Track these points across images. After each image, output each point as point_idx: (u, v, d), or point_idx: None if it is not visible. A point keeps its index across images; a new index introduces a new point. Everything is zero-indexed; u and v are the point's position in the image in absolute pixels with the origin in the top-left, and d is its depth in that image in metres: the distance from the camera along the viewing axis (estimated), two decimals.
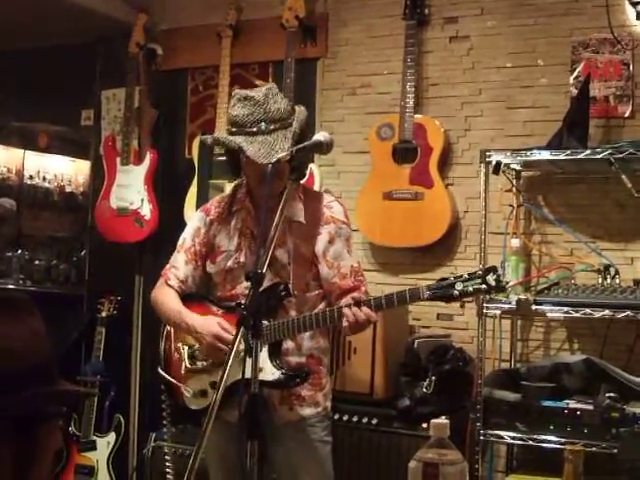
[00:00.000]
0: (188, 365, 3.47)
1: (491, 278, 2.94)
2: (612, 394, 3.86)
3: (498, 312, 4.22)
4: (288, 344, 3.37)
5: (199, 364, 3.45)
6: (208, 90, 5.71)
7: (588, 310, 3.96)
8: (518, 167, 4.53)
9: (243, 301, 3.04)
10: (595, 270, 4.33)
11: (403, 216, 4.78)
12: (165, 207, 5.57)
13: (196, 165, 5.46)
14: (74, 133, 6.27)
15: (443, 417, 3.17)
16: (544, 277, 4.51)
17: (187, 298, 3.52)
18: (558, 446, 3.78)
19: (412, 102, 4.79)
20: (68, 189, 6.48)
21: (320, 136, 2.76)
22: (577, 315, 3.99)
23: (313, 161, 5.02)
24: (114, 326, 5.60)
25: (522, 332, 4.62)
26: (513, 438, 4.06)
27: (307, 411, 3.45)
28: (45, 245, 6.38)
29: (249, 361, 2.86)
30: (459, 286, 2.97)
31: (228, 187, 5.20)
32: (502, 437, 4.08)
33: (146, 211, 5.53)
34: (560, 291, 4.12)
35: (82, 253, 6.24)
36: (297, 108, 3.36)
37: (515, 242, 4.46)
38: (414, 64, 4.85)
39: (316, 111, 5.30)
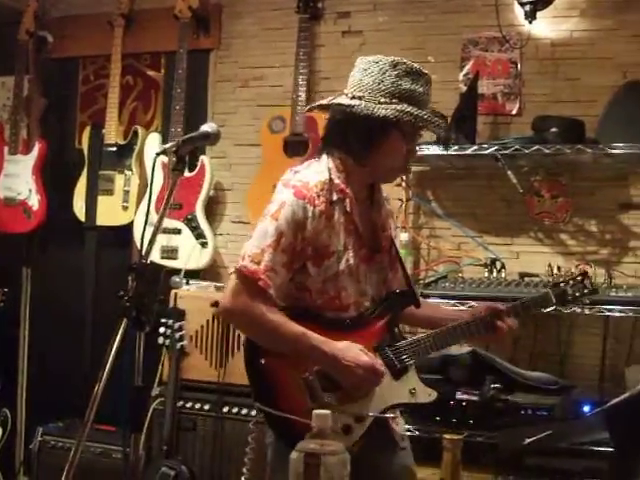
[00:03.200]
0: (326, 399, 2.72)
1: (588, 283, 3.01)
2: (497, 385, 3.94)
3: None
4: None
5: (327, 398, 2.71)
6: (99, 80, 5.63)
7: (474, 303, 4.02)
8: None
9: (348, 316, 2.79)
10: (482, 264, 4.40)
11: None
12: (54, 198, 5.47)
13: (86, 155, 5.38)
14: None
15: None
16: (432, 270, 4.58)
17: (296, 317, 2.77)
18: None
19: (304, 95, 4.81)
20: None
21: (207, 127, 2.72)
22: (464, 308, 4.05)
23: (204, 153, 5.00)
24: (1, 319, 5.47)
25: None
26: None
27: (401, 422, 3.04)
28: None
29: (400, 383, 2.79)
30: (570, 291, 2.99)
31: (118, 178, 5.17)
32: None
33: (34, 202, 5.43)
34: (447, 284, 4.18)
35: None
36: None
37: (404, 236, 4.51)
38: (306, 58, 4.86)
39: (208, 103, 5.29)
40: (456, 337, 2.89)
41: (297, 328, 2.70)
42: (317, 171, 2.81)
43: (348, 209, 2.79)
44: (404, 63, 2.78)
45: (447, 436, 1.85)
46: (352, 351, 2.70)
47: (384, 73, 2.76)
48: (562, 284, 2.99)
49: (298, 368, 2.72)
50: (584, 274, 3.03)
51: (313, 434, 1.95)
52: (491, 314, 2.87)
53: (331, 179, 2.79)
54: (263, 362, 2.79)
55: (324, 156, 2.85)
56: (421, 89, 2.77)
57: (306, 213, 2.71)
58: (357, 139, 2.79)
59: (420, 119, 2.72)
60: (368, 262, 2.87)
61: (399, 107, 2.70)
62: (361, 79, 2.80)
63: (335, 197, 2.77)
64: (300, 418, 2.52)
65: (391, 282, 2.97)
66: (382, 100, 2.73)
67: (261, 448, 3.67)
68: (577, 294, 2.98)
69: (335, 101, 2.84)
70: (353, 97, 2.78)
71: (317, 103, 2.96)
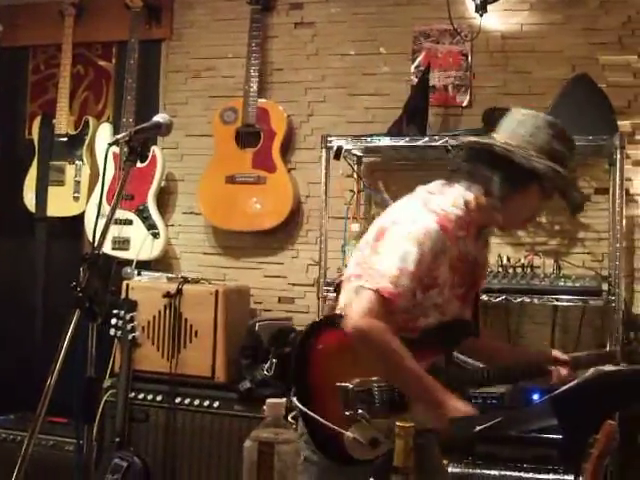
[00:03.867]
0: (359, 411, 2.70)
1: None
2: None
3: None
4: None
5: (360, 410, 2.68)
6: (50, 69, 5.58)
7: None
8: (359, 153, 4.61)
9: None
10: None
11: (245, 200, 4.79)
12: (3, 189, 5.42)
13: (36, 146, 5.34)
14: None
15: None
16: None
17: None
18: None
19: (256, 86, 4.81)
20: None
21: (159, 117, 2.71)
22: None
23: (156, 143, 4.99)
24: None
25: None
26: None
27: None
28: None
29: None
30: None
31: (69, 169, 5.13)
32: None
33: None
34: None
35: None
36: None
37: (355, 227, 4.54)
38: (259, 49, 4.86)
39: (160, 93, 5.27)
40: (508, 377, 3.03)
41: (416, 369, 2.65)
42: (454, 203, 2.77)
43: (465, 247, 2.78)
44: (558, 125, 2.80)
45: (399, 423, 1.86)
46: (459, 403, 2.74)
47: (539, 129, 2.77)
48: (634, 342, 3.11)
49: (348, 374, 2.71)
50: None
51: (267, 423, 1.96)
52: (548, 360, 2.98)
53: (463, 214, 2.77)
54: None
55: (458, 186, 2.81)
56: (568, 153, 2.80)
57: (444, 247, 2.70)
58: (503, 182, 2.76)
59: (563, 179, 2.74)
60: (463, 300, 2.86)
61: (549, 163, 2.71)
62: (514, 129, 2.80)
63: (460, 233, 2.76)
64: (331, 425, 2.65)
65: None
66: (533, 153, 2.73)
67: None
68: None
69: (491, 142, 2.80)
70: (505, 142, 2.77)
71: (472, 139, 2.90)
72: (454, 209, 2.74)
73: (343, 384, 2.68)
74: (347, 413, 2.67)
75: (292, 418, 3.51)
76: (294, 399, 2.80)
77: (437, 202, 2.76)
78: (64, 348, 2.33)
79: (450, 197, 2.78)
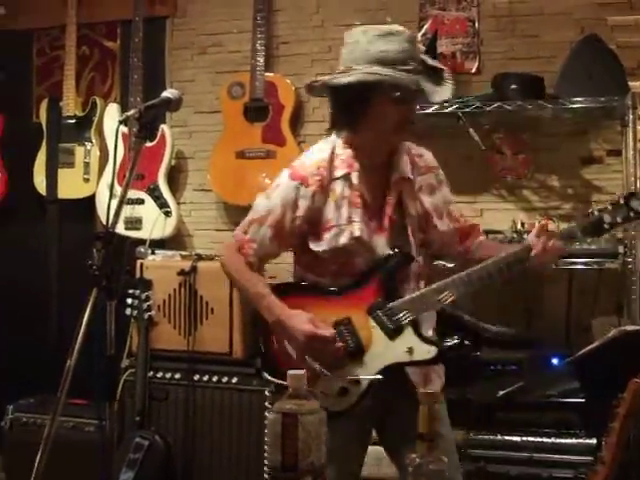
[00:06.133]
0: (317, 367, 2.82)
1: (636, 204, 2.78)
2: (465, 341, 3.97)
3: None
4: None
5: (317, 366, 2.80)
6: (55, 51, 5.56)
7: (441, 262, 4.04)
8: None
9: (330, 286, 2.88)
10: None
11: (256, 175, 4.78)
12: (13, 173, 5.41)
13: (44, 129, 5.33)
14: None
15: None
16: None
17: (286, 288, 2.98)
18: None
19: (262, 60, 4.79)
20: None
21: (168, 93, 2.70)
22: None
23: (164, 122, 4.97)
24: None
25: None
26: None
27: (438, 383, 2.99)
28: None
29: (397, 343, 2.79)
30: (607, 218, 2.79)
31: (78, 150, 5.13)
32: None
33: None
34: None
35: None
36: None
37: None
38: (264, 22, 4.84)
39: (166, 71, 5.26)
40: (470, 283, 2.88)
41: (260, 289, 2.89)
42: (320, 149, 2.91)
43: (355, 182, 2.85)
44: (374, 27, 2.77)
45: (422, 390, 1.86)
46: (296, 319, 2.79)
47: (357, 42, 2.76)
48: (597, 212, 2.83)
49: None
50: (633, 195, 2.83)
51: (290, 394, 1.96)
52: (527, 248, 2.85)
53: (334, 156, 2.87)
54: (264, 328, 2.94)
55: (333, 134, 2.92)
56: (397, 47, 2.72)
57: (298, 193, 2.85)
58: (340, 112, 2.85)
59: (390, 78, 2.69)
60: (389, 234, 2.87)
61: (366, 70, 2.69)
62: (342, 53, 2.82)
63: (340, 173, 2.86)
64: None
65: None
66: (355, 67, 2.73)
67: None
68: (618, 220, 2.80)
69: (310, 82, 2.91)
70: (339, 72, 2.79)
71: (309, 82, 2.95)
72: (316, 155, 2.90)
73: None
74: (309, 372, 2.63)
75: (268, 392, 3.55)
76: (263, 372, 2.95)
77: (300, 157, 2.95)
78: (83, 327, 2.34)
79: (317, 147, 2.95)
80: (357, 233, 2.83)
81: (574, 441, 3.67)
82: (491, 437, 3.75)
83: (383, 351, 2.81)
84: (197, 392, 4.43)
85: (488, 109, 4.17)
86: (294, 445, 1.89)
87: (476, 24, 4.62)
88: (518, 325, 4.24)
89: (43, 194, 5.32)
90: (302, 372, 2.00)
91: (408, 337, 2.81)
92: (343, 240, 2.83)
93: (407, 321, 2.82)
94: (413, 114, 2.87)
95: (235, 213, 5.00)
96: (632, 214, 2.78)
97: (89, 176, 5.15)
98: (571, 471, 3.61)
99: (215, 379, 4.38)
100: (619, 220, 2.79)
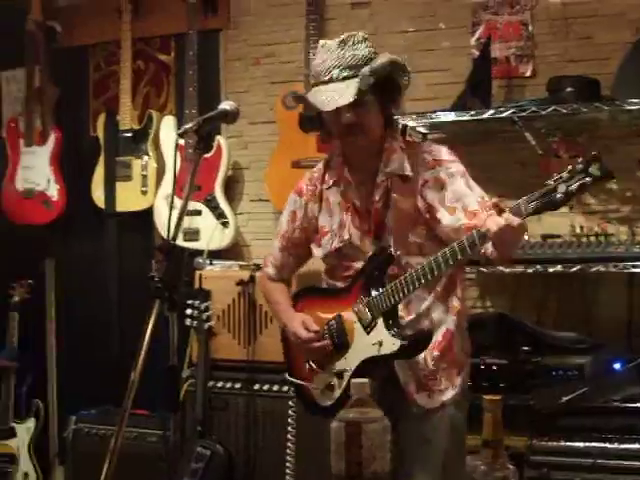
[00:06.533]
0: (307, 365, 3.15)
1: (594, 168, 2.41)
2: (526, 347, 3.95)
3: None
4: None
5: (308, 364, 3.14)
6: (110, 66, 5.62)
7: (499, 267, 4.03)
8: (424, 130, 4.57)
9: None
10: None
11: None
12: (72, 187, 5.48)
13: (102, 143, 5.39)
14: None
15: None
16: None
17: (301, 293, 3.29)
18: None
19: None
20: None
21: (225, 105, 2.73)
22: (487, 272, 4.06)
23: (219, 133, 5.01)
24: (27, 310, 5.49)
25: None
26: None
27: (447, 395, 3.01)
28: None
29: (370, 336, 2.90)
30: (562, 188, 2.41)
31: (135, 163, 5.19)
32: None
33: (53, 192, 5.45)
34: None
35: None
36: (381, 55, 2.94)
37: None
38: (317, 32, 4.85)
39: (221, 83, 5.30)
40: (433, 269, 2.76)
41: (275, 298, 3.28)
42: (321, 162, 3.20)
43: (342, 188, 3.05)
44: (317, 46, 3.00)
45: (487, 397, 1.86)
46: (294, 321, 3.09)
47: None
48: (553, 181, 2.46)
49: None
50: (593, 158, 2.44)
51: (353, 403, 1.96)
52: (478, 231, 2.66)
53: (327, 167, 3.13)
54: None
55: None
56: (318, 60, 2.92)
57: (296, 204, 3.18)
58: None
59: (310, 97, 2.92)
60: (379, 237, 2.97)
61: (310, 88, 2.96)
62: None
63: (331, 181, 3.09)
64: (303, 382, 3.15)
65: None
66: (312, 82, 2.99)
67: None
68: (574, 187, 2.42)
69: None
70: None
71: None
72: (311, 171, 3.21)
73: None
74: (307, 367, 3.14)
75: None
76: (285, 373, 3.29)
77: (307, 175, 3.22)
78: (147, 339, 2.36)
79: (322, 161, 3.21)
80: (346, 236, 3.01)
81: (638, 446, 3.62)
82: (554, 443, 3.72)
83: (361, 346, 2.94)
84: (257, 401, 4.46)
85: (544, 113, 4.13)
86: (358, 454, 1.90)
87: (530, 27, 4.59)
88: (579, 330, 4.20)
89: (102, 207, 5.38)
90: (364, 381, 2.01)
91: (380, 330, 2.90)
92: (335, 244, 3.04)
93: (378, 313, 2.89)
94: (345, 120, 2.89)
95: None
96: (588, 180, 2.41)
97: (146, 188, 5.20)
98: (636, 477, 3.56)
99: (275, 388, 4.40)
100: (573, 188, 2.41)
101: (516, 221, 2.51)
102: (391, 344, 2.86)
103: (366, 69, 2.84)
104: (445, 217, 2.89)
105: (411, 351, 2.89)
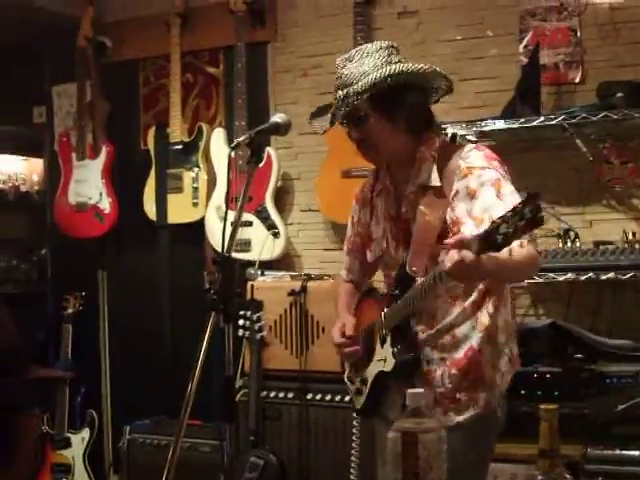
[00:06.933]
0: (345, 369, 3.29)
1: (527, 211, 2.12)
2: (579, 355, 3.92)
3: None
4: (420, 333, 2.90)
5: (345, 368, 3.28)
6: (160, 80, 5.69)
7: (551, 275, 4.02)
8: (474, 138, 4.56)
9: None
10: (555, 235, 4.37)
11: None
12: (124, 200, 5.55)
13: (152, 156, 5.45)
14: (26, 131, 6.20)
15: None
16: None
17: (365, 293, 3.35)
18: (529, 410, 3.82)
19: None
20: (23, 188, 6.38)
21: (277, 118, 2.76)
22: (541, 280, 4.04)
23: (269, 144, 5.04)
24: (81, 322, 5.57)
25: None
26: None
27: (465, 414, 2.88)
28: (3, 246, 6.32)
29: (382, 350, 2.93)
30: (503, 229, 2.16)
31: (186, 175, 5.23)
32: None
33: (105, 205, 5.51)
34: None
35: (42, 252, 6.19)
36: (387, 65, 2.83)
37: None
38: (364, 42, 4.83)
39: (269, 94, 5.33)
40: (417, 296, 2.71)
41: (337, 297, 3.34)
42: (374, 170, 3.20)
43: (383, 203, 3.06)
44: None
45: (543, 406, 1.84)
46: (337, 323, 3.16)
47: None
48: (500, 219, 2.18)
49: None
50: (529, 199, 2.13)
51: (409, 413, 1.96)
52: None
53: (377, 175, 3.12)
54: None
55: None
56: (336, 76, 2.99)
57: (354, 210, 3.24)
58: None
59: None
60: (410, 250, 2.89)
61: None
62: None
63: (378, 189, 3.10)
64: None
65: None
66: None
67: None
68: (510, 230, 2.15)
69: None
70: None
71: None
72: (368, 178, 3.22)
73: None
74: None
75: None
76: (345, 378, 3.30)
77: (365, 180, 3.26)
78: (203, 351, 2.38)
79: None
80: (384, 245, 3.03)
81: None
82: (609, 452, 3.68)
83: (377, 358, 2.99)
84: (310, 411, 4.47)
85: (594, 119, 4.10)
86: (414, 464, 1.90)
87: (578, 33, 4.56)
88: (633, 337, 4.16)
89: (153, 219, 5.43)
90: (421, 390, 2.02)
91: (387, 346, 2.92)
92: (377, 252, 3.08)
93: (388, 330, 2.92)
94: (353, 138, 3.03)
95: (342, 232, 4.97)
96: (521, 223, 2.13)
97: (197, 200, 5.25)
98: None
99: (328, 398, 4.41)
100: (510, 230, 2.15)
101: (469, 257, 2.30)
102: (391, 362, 2.89)
103: (354, 87, 2.83)
104: (468, 228, 2.64)
105: (403, 373, 2.87)
